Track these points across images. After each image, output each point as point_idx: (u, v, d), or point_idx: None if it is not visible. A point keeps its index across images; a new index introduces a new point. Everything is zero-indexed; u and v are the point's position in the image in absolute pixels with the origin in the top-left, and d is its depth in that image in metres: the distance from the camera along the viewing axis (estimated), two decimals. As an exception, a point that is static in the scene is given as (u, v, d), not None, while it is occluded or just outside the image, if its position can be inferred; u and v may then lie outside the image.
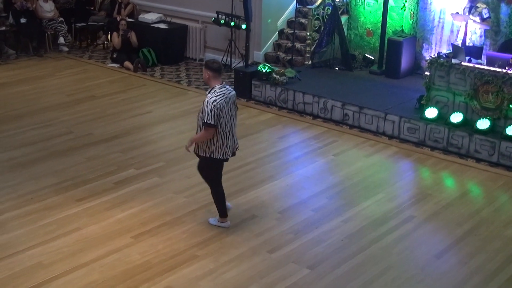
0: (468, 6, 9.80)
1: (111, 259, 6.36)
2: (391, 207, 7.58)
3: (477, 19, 9.65)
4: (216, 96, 6.44)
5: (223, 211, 6.98)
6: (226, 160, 6.79)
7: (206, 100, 6.44)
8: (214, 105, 6.37)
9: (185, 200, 7.61)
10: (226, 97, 6.51)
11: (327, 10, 12.13)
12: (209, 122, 6.39)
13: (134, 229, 6.93)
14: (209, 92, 6.55)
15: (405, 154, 9.18)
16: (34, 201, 7.48)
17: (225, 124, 6.53)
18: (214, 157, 6.62)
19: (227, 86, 6.62)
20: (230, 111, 6.58)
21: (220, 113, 6.42)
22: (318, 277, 6.17)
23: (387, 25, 11.55)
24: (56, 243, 6.62)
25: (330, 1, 11.96)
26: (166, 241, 6.71)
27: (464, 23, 9.86)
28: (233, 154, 6.82)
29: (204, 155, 6.65)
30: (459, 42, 9.87)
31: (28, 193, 7.67)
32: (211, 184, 6.92)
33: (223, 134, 6.54)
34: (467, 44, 9.76)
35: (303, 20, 12.55)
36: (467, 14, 9.76)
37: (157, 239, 6.75)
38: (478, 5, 9.69)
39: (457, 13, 10.01)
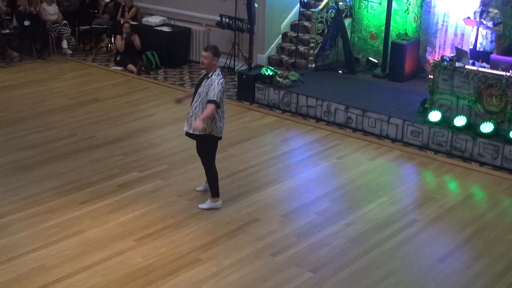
0: (479, 10, 9.79)
1: (114, 262, 6.35)
2: (394, 211, 7.57)
3: (490, 24, 9.64)
4: (222, 78, 7.02)
5: (216, 191, 7.39)
6: (221, 138, 7.29)
7: (215, 81, 6.91)
8: (222, 86, 6.96)
9: (188, 203, 7.60)
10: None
11: (330, 13, 12.11)
12: (214, 99, 6.88)
13: (137, 232, 6.93)
14: (212, 75, 6.99)
15: (409, 157, 9.16)
16: (37, 203, 7.48)
17: (222, 106, 7.09)
18: (214, 134, 7.14)
19: None
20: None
21: (221, 95, 6.99)
22: (321, 281, 6.15)
23: (391, 28, 11.54)
24: (59, 245, 6.61)
25: (334, 4, 11.96)
26: (169, 244, 6.71)
27: (475, 28, 9.84)
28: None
29: (205, 133, 7.08)
30: (470, 47, 9.87)
31: (31, 195, 7.67)
32: (209, 164, 7.33)
33: (221, 114, 7.11)
34: (477, 49, 9.76)
35: (306, 23, 12.55)
36: (478, 18, 9.75)
37: (160, 242, 6.74)
38: (490, 9, 9.68)
39: (468, 17, 9.99)
